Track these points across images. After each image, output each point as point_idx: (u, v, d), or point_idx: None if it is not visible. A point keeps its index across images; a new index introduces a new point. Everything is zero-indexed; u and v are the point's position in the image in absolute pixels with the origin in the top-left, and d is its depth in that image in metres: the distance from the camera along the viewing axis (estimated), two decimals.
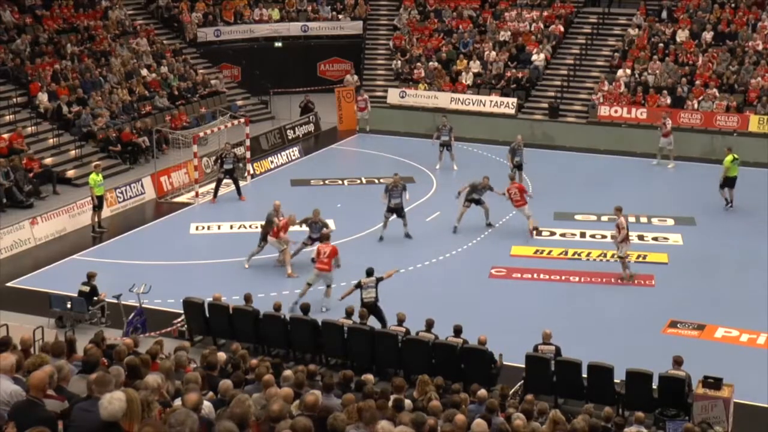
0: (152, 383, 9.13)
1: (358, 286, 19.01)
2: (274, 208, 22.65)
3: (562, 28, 39.61)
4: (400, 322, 17.58)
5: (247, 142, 30.62)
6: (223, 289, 19.16)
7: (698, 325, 19.58)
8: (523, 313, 20.18)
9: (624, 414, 15.32)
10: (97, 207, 25.44)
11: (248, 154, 30.44)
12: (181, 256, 23.91)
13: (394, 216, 24.36)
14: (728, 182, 27.47)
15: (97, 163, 27.16)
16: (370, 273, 19.19)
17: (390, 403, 11.24)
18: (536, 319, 19.07)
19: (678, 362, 15.73)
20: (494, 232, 25.30)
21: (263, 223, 22.83)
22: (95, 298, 19.55)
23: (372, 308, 18.60)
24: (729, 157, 27.54)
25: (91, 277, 19.81)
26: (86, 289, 19.56)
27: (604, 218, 26.19)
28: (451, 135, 31.01)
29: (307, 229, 22.91)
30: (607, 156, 33.00)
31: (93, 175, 25.52)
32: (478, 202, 25.34)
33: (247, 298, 18.42)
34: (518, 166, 28.73)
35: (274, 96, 38.98)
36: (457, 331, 16.90)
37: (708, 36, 37.27)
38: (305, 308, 18.00)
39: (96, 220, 25.57)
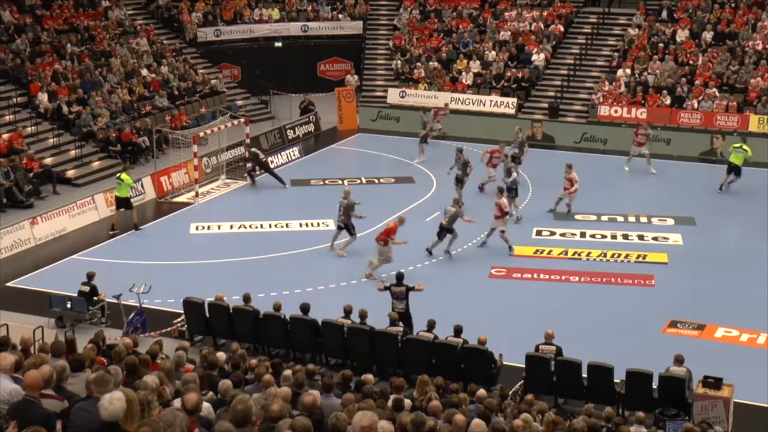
0: (151, 383, 9.13)
1: (388, 289, 18.83)
2: (345, 194, 23.43)
3: (562, 28, 39.60)
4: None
5: (247, 142, 30.63)
6: (223, 289, 19.13)
7: (698, 325, 19.57)
8: (523, 313, 20.18)
9: (624, 414, 15.32)
10: (126, 207, 25.65)
11: (248, 154, 30.42)
12: (181, 256, 23.91)
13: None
14: (733, 169, 28.46)
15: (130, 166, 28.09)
16: (399, 278, 18.95)
17: (390, 403, 11.23)
18: (536, 319, 19.10)
19: (679, 361, 15.73)
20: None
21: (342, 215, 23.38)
22: (95, 298, 19.55)
23: (401, 317, 18.30)
24: (735, 145, 28.60)
25: (90, 277, 19.80)
26: (86, 289, 19.56)
27: (604, 218, 26.26)
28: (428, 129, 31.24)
29: None
30: (607, 156, 32.98)
31: (125, 176, 25.79)
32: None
33: (247, 298, 18.40)
34: (513, 158, 28.85)
35: (274, 96, 38.99)
36: (457, 331, 16.89)
37: (708, 36, 37.26)
38: (305, 308, 17.98)
39: (118, 220, 25.72)
